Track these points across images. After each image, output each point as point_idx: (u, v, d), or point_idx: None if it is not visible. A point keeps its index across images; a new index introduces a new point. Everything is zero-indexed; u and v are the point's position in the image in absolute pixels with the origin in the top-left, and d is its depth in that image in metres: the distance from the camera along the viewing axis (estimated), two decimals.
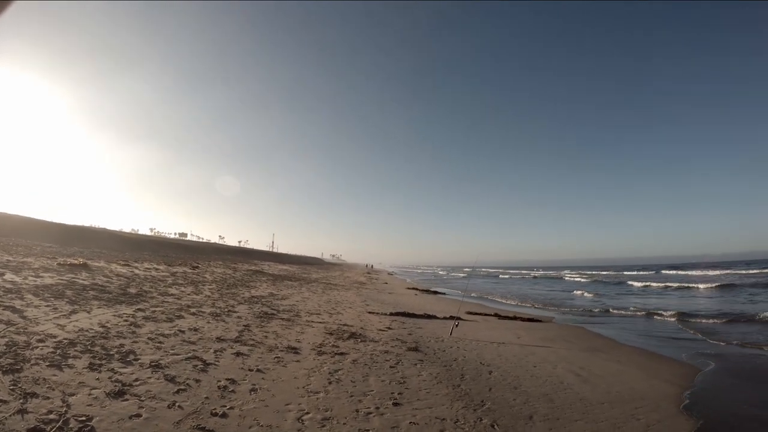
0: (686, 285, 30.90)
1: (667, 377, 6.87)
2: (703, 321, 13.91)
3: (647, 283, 35.26)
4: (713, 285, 29.46)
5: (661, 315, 15.29)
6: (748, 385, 6.77)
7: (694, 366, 7.78)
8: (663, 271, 63.09)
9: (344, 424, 3.97)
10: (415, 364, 6.47)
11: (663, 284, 33.32)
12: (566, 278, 52.29)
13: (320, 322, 9.44)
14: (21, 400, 3.35)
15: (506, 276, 65.90)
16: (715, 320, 14.00)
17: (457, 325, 9.67)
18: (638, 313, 16.38)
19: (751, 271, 46.54)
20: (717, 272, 49.71)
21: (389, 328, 9.64)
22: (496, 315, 14.45)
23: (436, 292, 26.95)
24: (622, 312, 17.17)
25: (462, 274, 74.90)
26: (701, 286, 29.29)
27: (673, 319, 14.31)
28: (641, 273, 58.89)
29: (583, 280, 46.75)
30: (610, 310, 17.85)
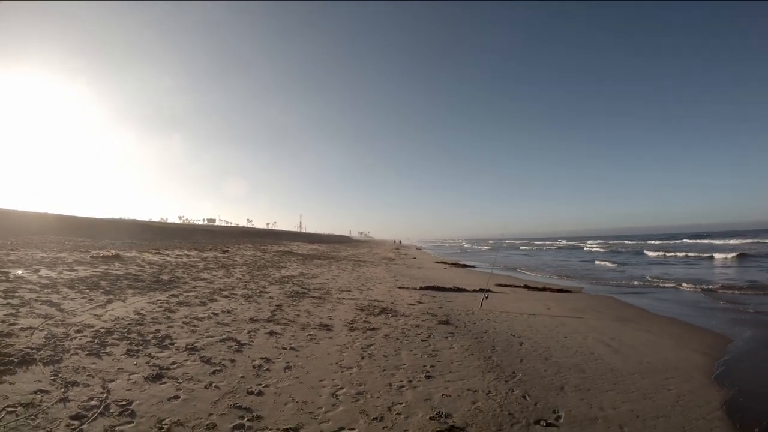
0: (712, 255, 30.01)
1: (698, 347, 6.65)
2: (731, 291, 13.46)
3: (674, 253, 34.70)
4: (739, 254, 28.80)
5: (689, 285, 14.86)
6: None
7: (725, 336, 7.51)
8: (686, 240, 61.36)
9: (378, 397, 4.00)
10: (446, 337, 6.47)
11: (689, 254, 32.77)
12: (591, 249, 51.39)
13: (351, 299, 9.54)
14: (62, 389, 3.48)
15: (530, 248, 65.34)
16: (744, 290, 13.60)
17: (487, 298, 9.60)
18: (667, 284, 15.92)
19: None
20: (742, 241, 48.03)
21: (419, 303, 9.67)
22: (525, 286, 14.33)
23: (464, 266, 26.78)
24: (651, 282, 16.77)
25: (486, 247, 74.81)
26: (728, 255, 28.51)
27: (701, 289, 13.88)
28: (666, 242, 57.40)
29: (608, 250, 45.89)
30: (638, 280, 17.45)
